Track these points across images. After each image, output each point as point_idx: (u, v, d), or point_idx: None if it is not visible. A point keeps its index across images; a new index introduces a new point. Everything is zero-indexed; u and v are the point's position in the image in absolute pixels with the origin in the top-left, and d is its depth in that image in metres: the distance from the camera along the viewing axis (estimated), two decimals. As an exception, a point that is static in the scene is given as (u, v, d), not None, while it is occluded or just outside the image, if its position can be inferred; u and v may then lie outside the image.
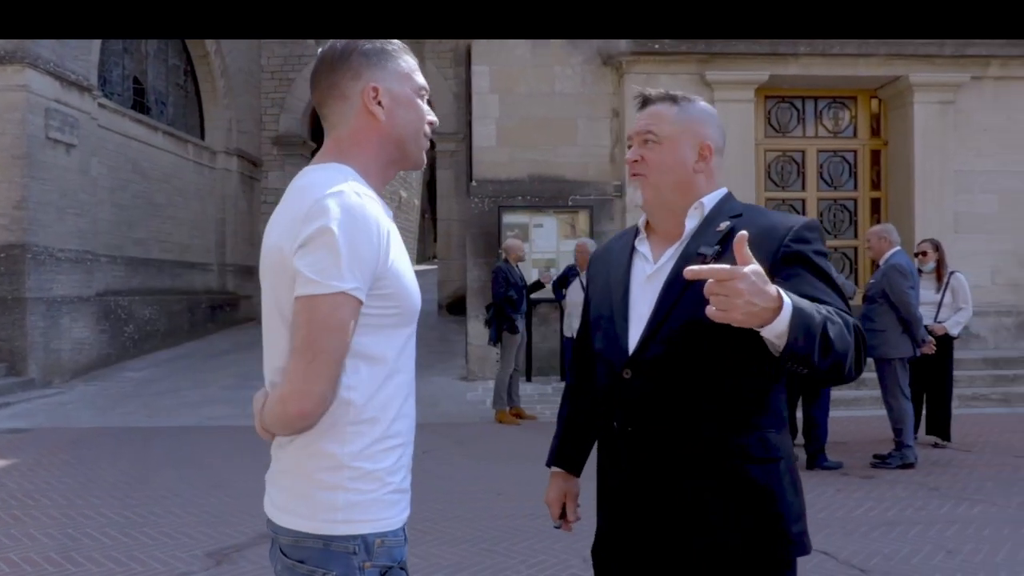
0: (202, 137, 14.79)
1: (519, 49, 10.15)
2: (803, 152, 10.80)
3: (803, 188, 10.81)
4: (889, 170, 10.69)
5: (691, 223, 1.65)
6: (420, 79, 1.56)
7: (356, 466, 1.40)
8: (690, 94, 1.73)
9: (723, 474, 1.56)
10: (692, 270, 1.33)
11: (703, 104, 1.73)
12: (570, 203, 10.20)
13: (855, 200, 10.89)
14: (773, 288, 1.33)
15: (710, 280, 1.31)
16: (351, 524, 1.39)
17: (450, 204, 17.05)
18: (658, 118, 1.68)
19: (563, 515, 1.91)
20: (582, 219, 10.19)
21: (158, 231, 12.77)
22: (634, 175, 1.69)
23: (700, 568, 1.57)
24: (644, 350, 1.61)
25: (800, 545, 1.57)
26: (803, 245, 1.54)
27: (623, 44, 9.80)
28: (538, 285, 8.25)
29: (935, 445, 6.47)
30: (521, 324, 8.12)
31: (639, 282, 1.68)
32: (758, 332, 1.42)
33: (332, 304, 1.32)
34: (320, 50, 1.56)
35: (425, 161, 1.61)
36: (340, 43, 1.53)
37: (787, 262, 1.52)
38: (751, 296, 1.29)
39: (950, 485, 5.30)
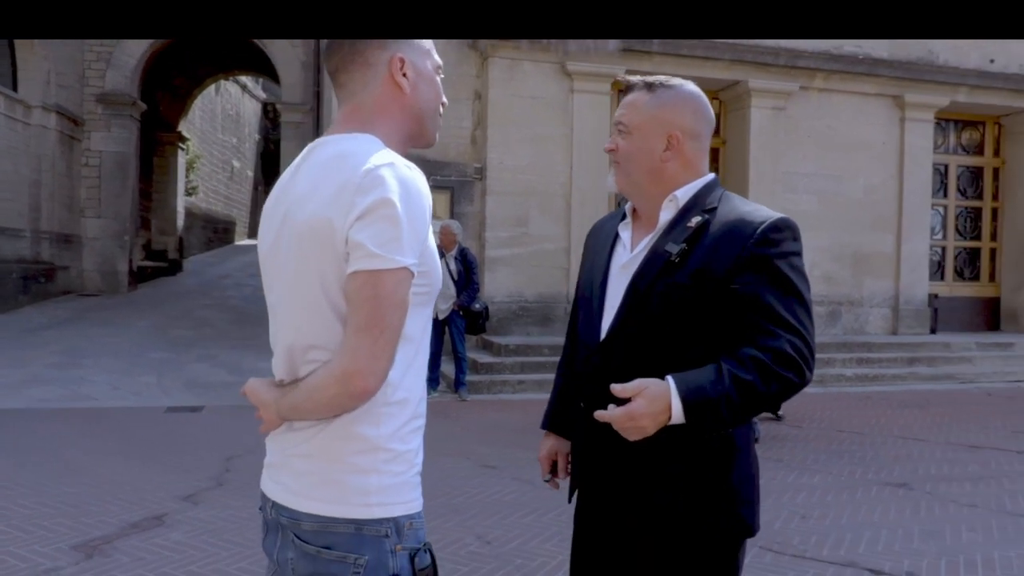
0: (15, 89, 13.28)
1: (383, 23, 9.94)
2: (651, 146, 11.38)
3: (650, 180, 11.40)
4: (727, 167, 11.50)
5: (665, 215, 1.68)
6: (437, 58, 1.55)
7: (390, 448, 1.38)
8: (671, 78, 1.74)
9: (673, 455, 1.60)
10: (600, 415, 1.53)
11: (682, 90, 1.72)
12: (431, 183, 10.11)
13: (696, 194, 11.63)
14: (663, 399, 1.49)
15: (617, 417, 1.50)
16: (385, 507, 1.36)
17: (295, 177, 16.41)
18: (630, 107, 1.71)
19: (554, 472, 1.96)
20: (442, 200, 10.18)
21: (-38, 191, 11.37)
22: (614, 163, 1.75)
23: (651, 543, 1.66)
24: (611, 340, 1.67)
25: (746, 527, 1.64)
26: (767, 248, 1.56)
27: (489, 28, 9.85)
28: None
29: (774, 419, 7.11)
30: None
31: (616, 269, 1.73)
32: (713, 330, 1.60)
33: (396, 279, 1.29)
34: None
35: (436, 140, 1.60)
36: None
37: (748, 266, 1.56)
38: (655, 420, 1.48)
39: (791, 457, 5.87)
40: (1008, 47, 12.16)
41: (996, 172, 12.90)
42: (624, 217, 1.79)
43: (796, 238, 1.63)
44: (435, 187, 10.10)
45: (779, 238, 1.59)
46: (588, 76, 10.28)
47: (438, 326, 8.18)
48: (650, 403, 1.47)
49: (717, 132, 11.68)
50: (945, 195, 12.59)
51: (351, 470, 1.36)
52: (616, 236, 1.78)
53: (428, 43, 1.52)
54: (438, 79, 1.53)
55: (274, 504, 1.44)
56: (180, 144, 19.03)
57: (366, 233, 1.28)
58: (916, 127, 11.71)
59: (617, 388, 1.50)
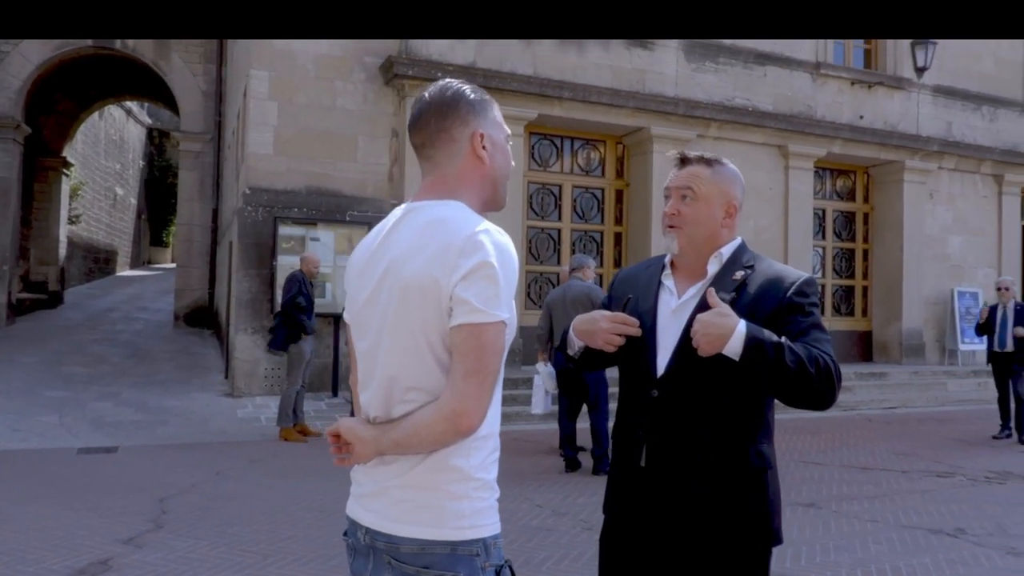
0: None
1: (301, 59, 9.99)
2: (560, 186, 11.86)
3: (559, 219, 11.85)
4: (631, 208, 12.11)
5: (712, 268, 1.96)
6: (507, 128, 1.76)
7: (478, 477, 1.54)
8: (720, 156, 2.04)
9: (726, 478, 1.87)
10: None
11: (732, 167, 2.03)
12: (348, 218, 10.20)
13: (601, 232, 12.18)
14: (731, 320, 1.76)
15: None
16: (476, 529, 1.52)
17: (192, 208, 15.94)
18: (696, 178, 1.97)
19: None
20: (359, 235, 10.22)
21: None
22: (670, 227, 1.98)
23: (698, 553, 1.89)
24: (671, 375, 1.91)
25: (778, 538, 1.93)
26: (802, 298, 1.89)
27: (409, 68, 10.07)
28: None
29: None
30: (311, 341, 8.00)
31: (665, 314, 1.98)
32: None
33: (496, 331, 1.48)
34: (427, 93, 1.67)
35: (506, 203, 1.80)
36: (448, 90, 1.65)
37: (789, 310, 1.88)
38: (704, 328, 1.77)
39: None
40: (875, 105, 13.47)
41: (866, 216, 14.17)
42: (663, 268, 2.05)
43: (818, 293, 1.98)
44: (353, 222, 10.19)
45: (810, 291, 1.92)
46: (504, 119, 10.61)
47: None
48: (716, 315, 1.78)
49: (621, 175, 12.31)
50: (823, 237, 13.71)
51: (447, 497, 1.52)
52: (659, 285, 2.03)
53: (499, 116, 1.73)
54: (508, 147, 1.74)
55: (368, 530, 1.58)
56: (64, 170, 18.10)
57: (471, 291, 1.46)
58: (798, 174, 12.74)
59: (712, 297, 1.83)
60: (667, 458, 1.90)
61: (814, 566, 4.34)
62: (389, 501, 1.56)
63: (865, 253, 14.14)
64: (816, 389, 1.80)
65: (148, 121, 29.84)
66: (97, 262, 23.82)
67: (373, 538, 1.57)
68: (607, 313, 1.97)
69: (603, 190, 12.19)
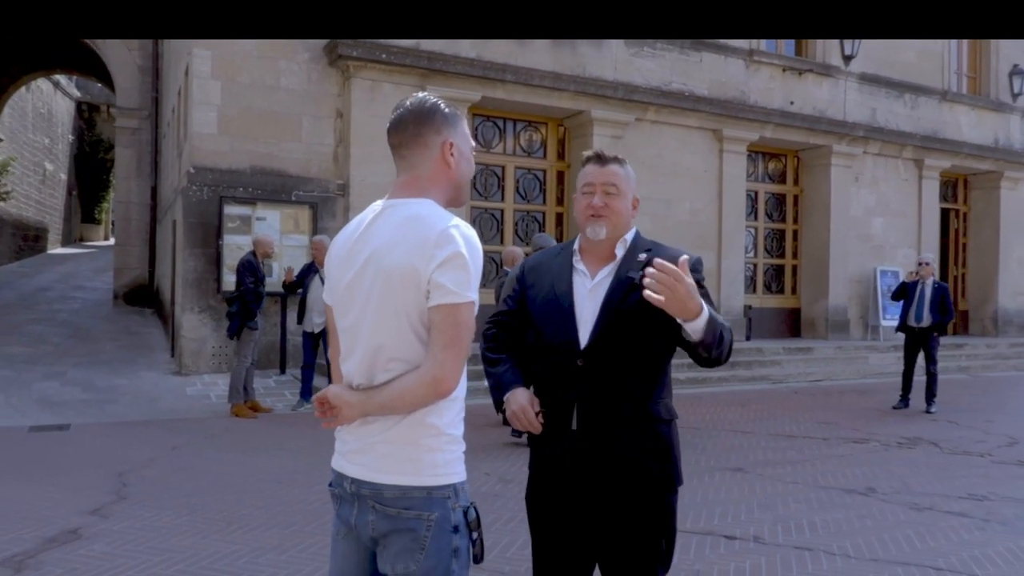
0: None
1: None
2: (503, 167, 12.12)
3: (502, 199, 12.13)
4: (570, 189, 12.45)
5: (619, 252, 2.29)
6: (472, 142, 2.04)
7: (449, 433, 1.84)
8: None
9: (644, 430, 2.21)
10: (658, 265, 2.00)
11: (631, 168, 2.38)
12: (293, 198, 10.28)
13: (543, 213, 12.50)
14: (699, 298, 2.05)
15: (659, 272, 1.98)
16: (448, 476, 1.82)
17: (130, 186, 15.70)
18: (616, 176, 2.28)
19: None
20: (305, 215, 10.33)
21: None
22: (597, 216, 2.27)
23: (622, 493, 2.22)
24: (594, 345, 2.22)
25: (681, 479, 2.30)
26: (698, 275, 2.18)
27: (353, 49, 10.16)
28: (298, 284, 8.64)
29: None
30: (259, 320, 8.13)
31: (581, 293, 2.28)
32: (668, 330, 2.15)
33: (468, 310, 1.77)
34: (408, 102, 1.94)
35: (466, 202, 2.08)
36: (427, 102, 1.92)
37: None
38: (686, 295, 2.00)
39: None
40: (805, 92, 14.07)
41: (796, 199, 14.83)
42: (574, 254, 2.36)
43: None
44: (298, 202, 10.28)
45: (701, 268, 2.28)
46: (446, 100, 10.75)
47: (312, 340, 8.38)
48: (692, 289, 1.98)
49: (562, 156, 12.63)
50: (756, 218, 14.31)
51: (424, 450, 1.81)
52: (571, 268, 2.34)
53: (467, 130, 2.00)
54: (472, 157, 2.02)
55: (353, 480, 1.85)
56: (-8, 145, 17.57)
57: (446, 277, 1.74)
58: (732, 158, 13.26)
59: (683, 261, 2.01)
60: (595, 420, 2.20)
61: (739, 523, 4.77)
62: (375, 455, 1.84)
63: (795, 234, 14.82)
64: (726, 354, 2.18)
65: (76, 94, 28.92)
66: (27, 240, 23.16)
67: (359, 487, 1.84)
68: (522, 403, 2.25)
69: (544, 171, 12.51)
